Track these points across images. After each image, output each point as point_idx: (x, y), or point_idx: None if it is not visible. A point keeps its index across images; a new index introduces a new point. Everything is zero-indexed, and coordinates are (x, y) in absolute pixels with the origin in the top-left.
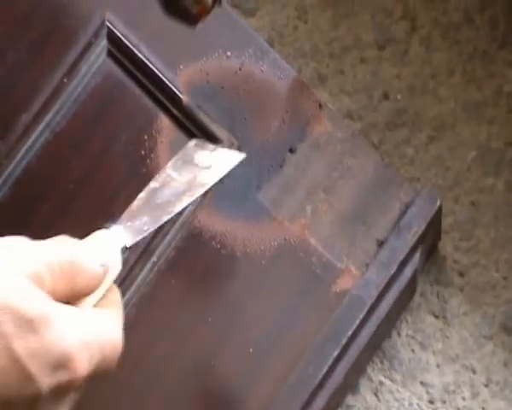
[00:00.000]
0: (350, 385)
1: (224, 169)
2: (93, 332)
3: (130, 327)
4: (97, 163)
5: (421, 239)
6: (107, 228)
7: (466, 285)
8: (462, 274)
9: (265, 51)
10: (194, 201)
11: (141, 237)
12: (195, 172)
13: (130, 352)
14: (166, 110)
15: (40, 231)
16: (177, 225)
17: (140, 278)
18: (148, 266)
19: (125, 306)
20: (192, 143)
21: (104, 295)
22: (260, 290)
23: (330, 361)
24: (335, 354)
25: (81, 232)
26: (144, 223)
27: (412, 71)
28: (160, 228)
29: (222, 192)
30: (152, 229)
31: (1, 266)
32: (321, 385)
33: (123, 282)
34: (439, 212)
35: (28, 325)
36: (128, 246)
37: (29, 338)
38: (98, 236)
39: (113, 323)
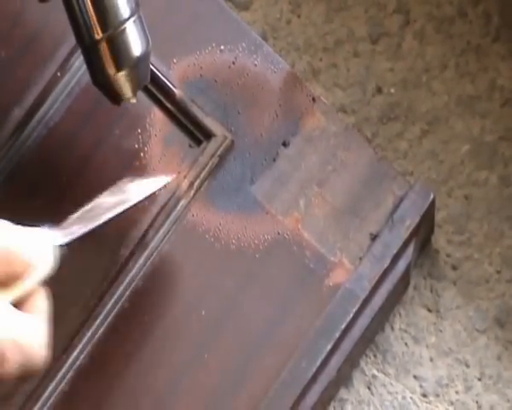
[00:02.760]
0: (343, 379)
1: (151, 189)
2: (24, 333)
3: (123, 321)
4: (91, 157)
5: (414, 233)
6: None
7: (459, 279)
8: (455, 268)
9: (259, 45)
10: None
11: (72, 237)
12: (124, 195)
13: (123, 347)
14: (160, 104)
15: (33, 225)
16: (171, 218)
17: (133, 272)
18: (142, 260)
19: (118, 300)
20: (125, 180)
21: (33, 295)
22: (254, 284)
23: (323, 355)
24: (328, 347)
25: None
26: (78, 227)
27: (405, 65)
28: (153, 222)
29: (215, 186)
30: (84, 230)
31: None
32: (314, 379)
33: (116, 276)
34: (432, 205)
35: None
36: (60, 244)
37: None
38: (32, 230)
39: (41, 334)
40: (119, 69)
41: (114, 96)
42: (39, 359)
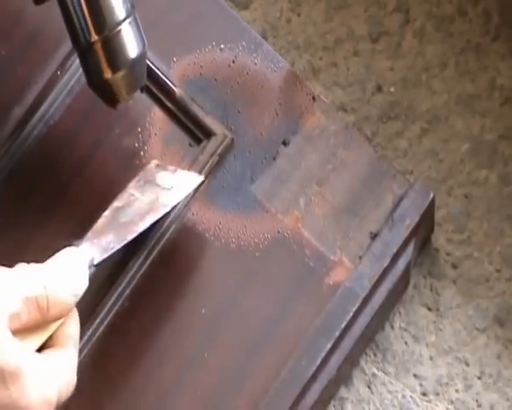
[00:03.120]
0: (343, 377)
1: (184, 190)
2: (53, 378)
3: (123, 320)
4: (91, 156)
5: (414, 232)
6: (75, 245)
7: (459, 278)
8: (455, 266)
9: (259, 44)
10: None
11: (107, 254)
12: (157, 192)
13: (124, 345)
14: (160, 103)
15: (33, 224)
16: (171, 217)
17: (133, 270)
18: (142, 258)
19: (118, 299)
20: (152, 164)
21: (64, 322)
22: (254, 283)
23: (323, 354)
24: (328, 346)
25: (74, 224)
26: (110, 241)
27: (405, 63)
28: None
29: (215, 185)
30: (118, 247)
31: None
32: (314, 377)
33: (116, 275)
34: (432, 204)
35: (1, 377)
36: (95, 264)
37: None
38: (67, 255)
39: (70, 365)
40: (114, 71)
41: (110, 98)
42: (68, 395)
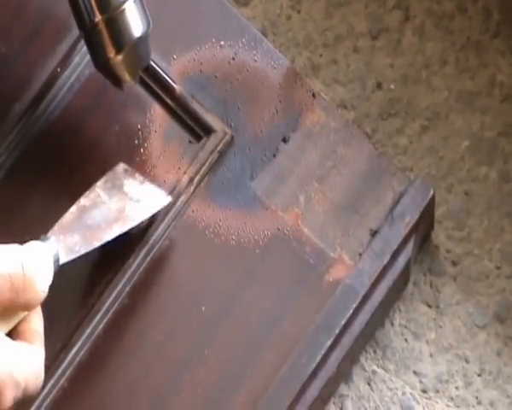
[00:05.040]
0: (343, 374)
1: (151, 208)
2: (22, 368)
3: (123, 317)
4: (91, 152)
5: (414, 229)
6: (41, 240)
7: (459, 275)
8: (455, 264)
9: (259, 41)
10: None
11: (73, 256)
12: (125, 201)
13: (122, 343)
14: (160, 100)
15: (33, 220)
16: (171, 214)
17: (133, 267)
18: (142, 255)
19: (118, 296)
20: (121, 167)
21: (29, 318)
22: (253, 280)
23: (323, 351)
24: (328, 343)
25: None
26: (76, 242)
27: (405, 60)
28: (153, 217)
29: (215, 182)
30: (83, 251)
31: None
32: (314, 375)
33: (116, 272)
34: (432, 201)
35: None
36: (60, 264)
37: None
38: (37, 246)
39: (38, 358)
40: (119, 50)
41: (116, 78)
42: (36, 389)
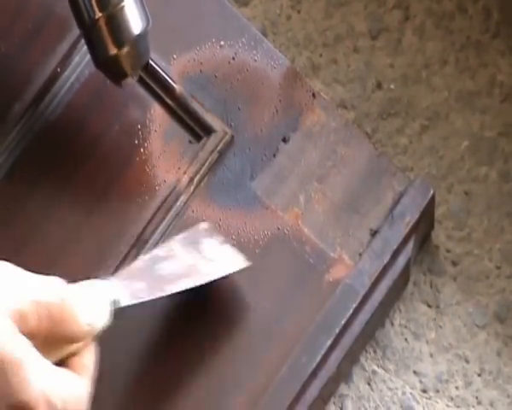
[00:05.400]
0: (343, 374)
1: (225, 270)
2: (60, 392)
3: (122, 316)
4: (90, 152)
5: (414, 229)
6: (104, 279)
7: (459, 275)
8: (455, 263)
9: (259, 41)
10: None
11: (134, 301)
12: (197, 259)
13: (123, 344)
14: (160, 99)
15: (33, 220)
16: (171, 214)
17: None
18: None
19: None
20: (202, 225)
21: (80, 353)
22: (253, 279)
23: (323, 351)
24: (328, 343)
25: (73, 221)
26: (141, 289)
27: (405, 60)
28: (153, 218)
29: (215, 182)
30: (146, 298)
31: None
32: (314, 374)
33: (115, 271)
34: (432, 201)
35: (1, 367)
36: (121, 305)
37: None
38: (94, 285)
39: (82, 389)
40: (119, 47)
41: (115, 75)
42: None
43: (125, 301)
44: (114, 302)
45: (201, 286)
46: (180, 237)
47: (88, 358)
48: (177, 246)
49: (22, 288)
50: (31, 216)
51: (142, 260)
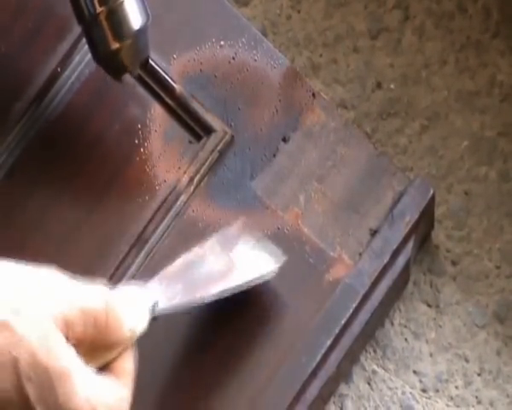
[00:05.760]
0: (343, 374)
1: (258, 277)
2: (104, 400)
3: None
4: (91, 152)
5: (414, 228)
6: (142, 283)
7: (459, 274)
8: (455, 263)
9: (259, 41)
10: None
11: (171, 306)
12: (231, 265)
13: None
14: (160, 99)
15: (33, 220)
16: (171, 214)
17: (133, 267)
18: (141, 255)
19: None
20: (238, 224)
21: (121, 357)
22: None
23: (323, 350)
24: (328, 343)
25: (74, 220)
26: (177, 292)
27: (405, 60)
28: (153, 217)
29: (215, 181)
30: (182, 303)
31: (36, 305)
32: (314, 374)
33: (115, 271)
34: (431, 201)
35: (44, 373)
36: (159, 312)
37: (42, 386)
38: (133, 291)
39: (124, 394)
40: (119, 42)
41: (115, 70)
42: None
43: (162, 305)
44: (153, 307)
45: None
46: (214, 238)
47: (128, 362)
48: (210, 251)
49: (68, 295)
50: (31, 216)
51: (179, 261)
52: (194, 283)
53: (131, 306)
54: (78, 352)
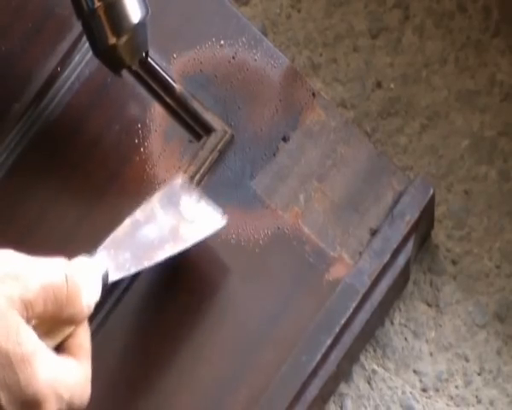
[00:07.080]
0: (343, 373)
1: (205, 231)
2: (65, 382)
3: (121, 318)
4: (91, 152)
5: (414, 228)
6: (90, 255)
7: (459, 274)
8: (455, 263)
9: (259, 40)
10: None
11: (122, 275)
12: (179, 220)
13: (122, 341)
14: (160, 99)
15: (33, 219)
16: None
17: None
18: None
19: (121, 298)
20: (179, 180)
21: (76, 333)
22: (253, 279)
23: (323, 350)
24: (328, 342)
25: (73, 220)
26: (126, 259)
27: (405, 60)
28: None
29: (215, 180)
30: (133, 271)
31: None
32: (314, 373)
33: None
34: (432, 200)
35: (5, 358)
36: (110, 282)
37: (3, 371)
38: (84, 262)
39: (84, 373)
40: (118, 36)
41: (114, 64)
42: (82, 402)
43: (113, 276)
44: (104, 278)
45: (182, 254)
46: (157, 196)
47: (84, 338)
48: (157, 207)
49: (26, 274)
50: (30, 215)
51: (124, 226)
52: (143, 247)
53: (86, 277)
54: (38, 331)
